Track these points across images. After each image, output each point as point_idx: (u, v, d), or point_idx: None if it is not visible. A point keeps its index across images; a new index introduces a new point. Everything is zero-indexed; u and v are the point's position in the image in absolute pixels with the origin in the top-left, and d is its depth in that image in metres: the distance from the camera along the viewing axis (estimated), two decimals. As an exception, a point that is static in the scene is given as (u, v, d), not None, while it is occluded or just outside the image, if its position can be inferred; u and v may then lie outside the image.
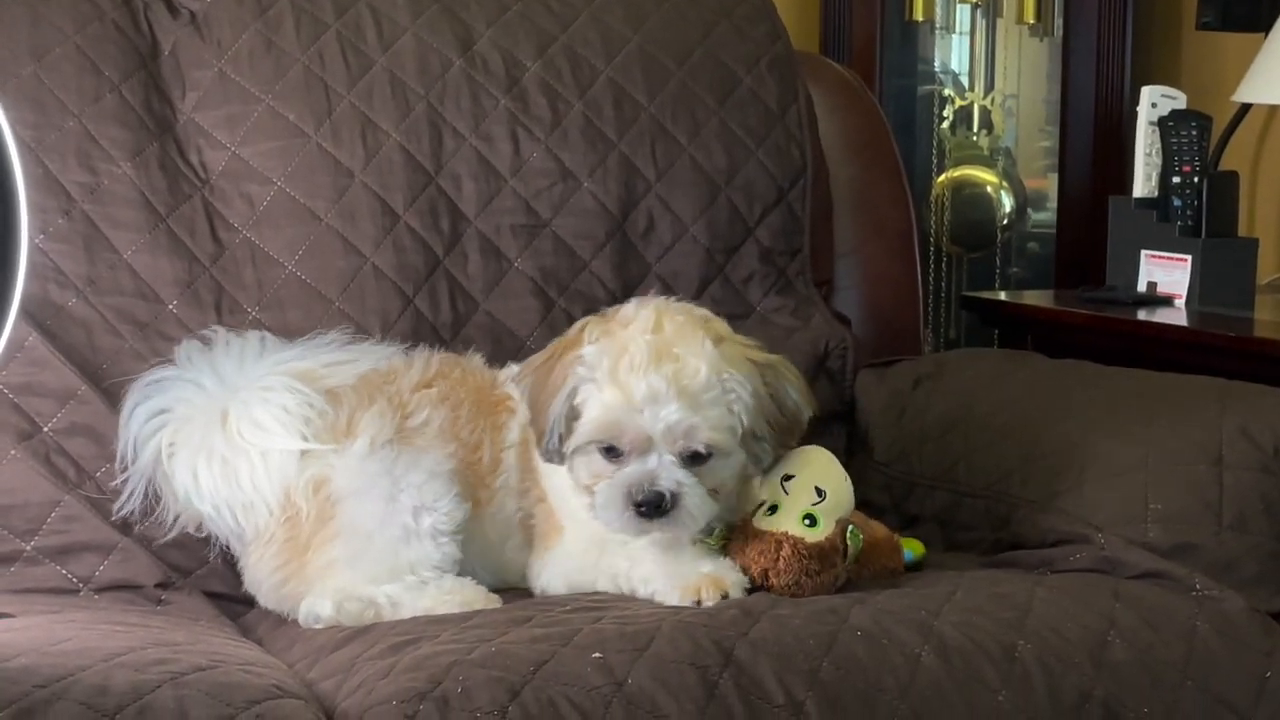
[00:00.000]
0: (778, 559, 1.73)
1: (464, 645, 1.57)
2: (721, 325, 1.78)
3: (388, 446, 1.82)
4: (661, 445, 1.69)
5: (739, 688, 1.53)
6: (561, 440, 1.73)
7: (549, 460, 1.77)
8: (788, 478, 1.77)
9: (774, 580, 1.73)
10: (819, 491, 1.77)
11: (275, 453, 1.81)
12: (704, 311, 1.80)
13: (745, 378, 1.72)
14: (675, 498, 1.69)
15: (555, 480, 1.81)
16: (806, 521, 1.75)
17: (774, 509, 1.76)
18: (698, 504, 1.70)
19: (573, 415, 1.72)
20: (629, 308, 1.77)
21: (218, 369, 1.88)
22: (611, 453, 1.71)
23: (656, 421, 1.68)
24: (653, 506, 1.68)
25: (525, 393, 1.80)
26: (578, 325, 1.79)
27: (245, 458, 1.82)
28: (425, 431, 1.84)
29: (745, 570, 1.74)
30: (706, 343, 1.72)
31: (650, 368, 1.68)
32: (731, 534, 1.78)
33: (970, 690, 1.58)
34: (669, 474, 1.69)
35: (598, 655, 1.55)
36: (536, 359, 1.82)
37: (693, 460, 1.70)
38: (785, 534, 1.74)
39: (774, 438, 1.74)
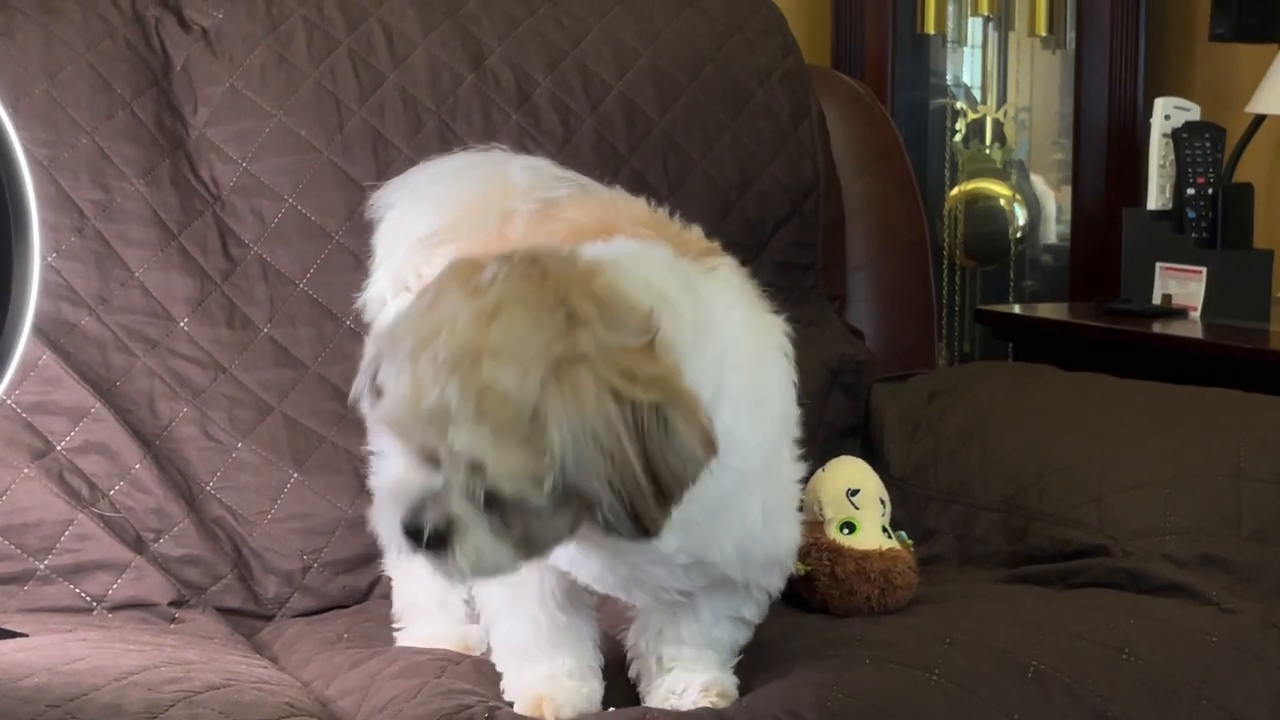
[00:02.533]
0: (894, 574, 1.74)
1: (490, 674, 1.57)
2: (614, 311, 1.32)
3: None
4: (449, 469, 1.31)
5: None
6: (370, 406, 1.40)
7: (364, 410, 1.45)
8: (853, 492, 1.77)
9: (890, 598, 1.74)
10: (882, 502, 1.79)
11: None
12: (612, 276, 1.34)
13: (587, 422, 1.28)
14: (443, 538, 1.32)
15: None
16: (845, 530, 1.76)
17: (850, 526, 1.76)
18: (478, 549, 1.32)
19: (373, 377, 1.38)
20: (517, 227, 1.48)
21: None
22: None
23: (441, 438, 1.29)
24: (414, 536, 1.33)
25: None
26: (449, 268, 1.39)
27: None
28: None
29: (853, 594, 1.74)
30: (540, 367, 1.28)
31: (450, 374, 1.28)
32: (812, 557, 1.76)
33: (983, 713, 1.55)
34: (446, 504, 1.31)
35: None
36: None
37: (491, 498, 1.31)
38: (890, 551, 1.75)
39: (625, 503, 1.30)
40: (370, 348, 1.41)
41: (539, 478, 1.28)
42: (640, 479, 1.29)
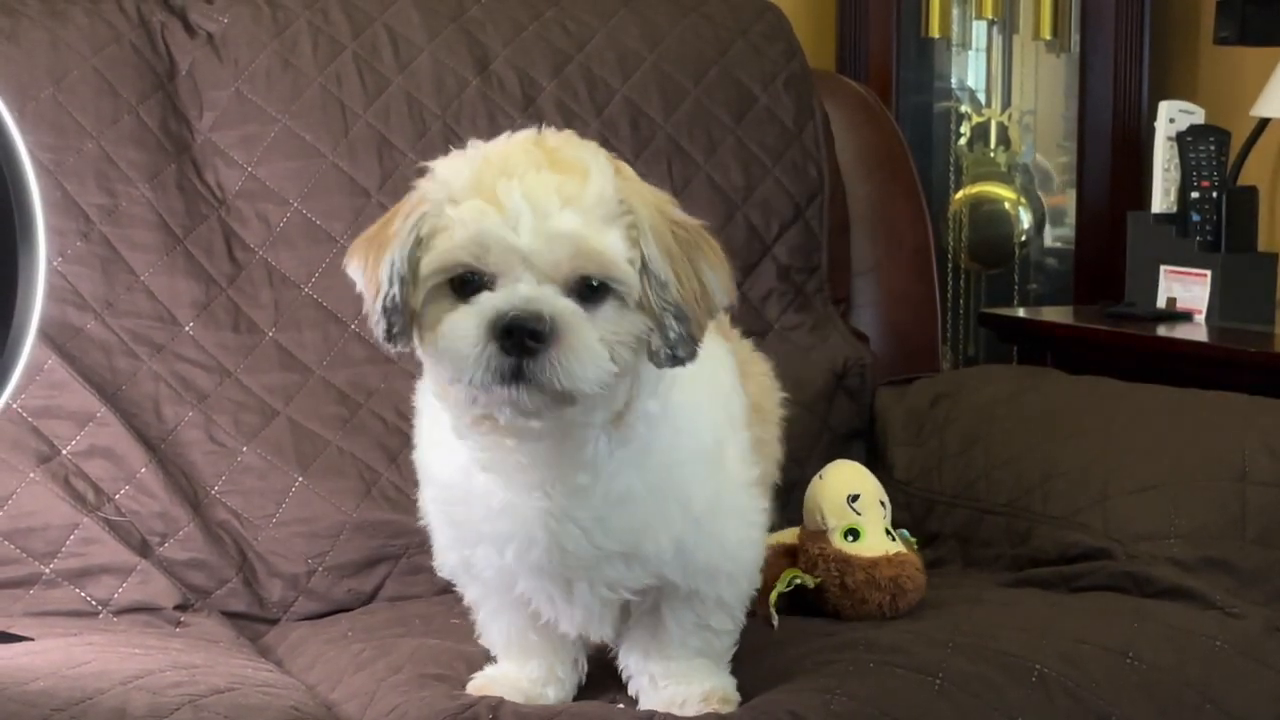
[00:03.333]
0: (903, 579, 1.73)
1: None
2: (626, 168, 1.38)
3: None
4: (539, 272, 1.27)
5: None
6: (404, 289, 1.31)
7: (387, 338, 1.34)
8: (854, 497, 1.77)
9: (901, 603, 1.74)
10: (882, 504, 1.78)
11: None
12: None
13: (650, 208, 1.33)
14: (557, 334, 1.26)
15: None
16: (850, 537, 1.76)
17: (854, 533, 1.76)
18: (590, 346, 1.27)
19: (417, 253, 1.31)
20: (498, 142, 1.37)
21: None
22: (468, 287, 1.30)
23: (536, 235, 1.26)
24: (526, 334, 1.25)
25: (362, 266, 1.36)
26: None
27: None
28: None
29: (865, 603, 1.73)
30: (603, 159, 1.34)
31: (527, 176, 1.28)
32: (820, 569, 1.76)
33: (987, 717, 1.55)
34: (551, 299, 1.27)
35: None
36: (370, 228, 1.40)
37: (582, 296, 1.29)
38: (897, 555, 1.75)
39: (683, 297, 1.32)
40: (373, 256, 1.34)
41: (634, 261, 1.30)
42: (691, 276, 1.32)
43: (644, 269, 1.31)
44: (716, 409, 1.48)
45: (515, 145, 1.32)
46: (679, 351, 1.33)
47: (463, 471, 1.43)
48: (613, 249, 1.29)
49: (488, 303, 1.27)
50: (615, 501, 1.39)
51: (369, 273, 1.34)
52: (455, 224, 1.28)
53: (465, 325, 1.27)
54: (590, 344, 1.28)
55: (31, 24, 2.05)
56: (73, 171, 2.02)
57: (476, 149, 1.33)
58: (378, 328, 1.34)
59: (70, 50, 2.05)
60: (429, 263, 1.30)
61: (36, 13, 2.06)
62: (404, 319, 1.32)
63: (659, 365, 1.35)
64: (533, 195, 1.27)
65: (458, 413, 1.36)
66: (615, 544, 1.42)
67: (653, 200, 1.35)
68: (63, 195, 2.00)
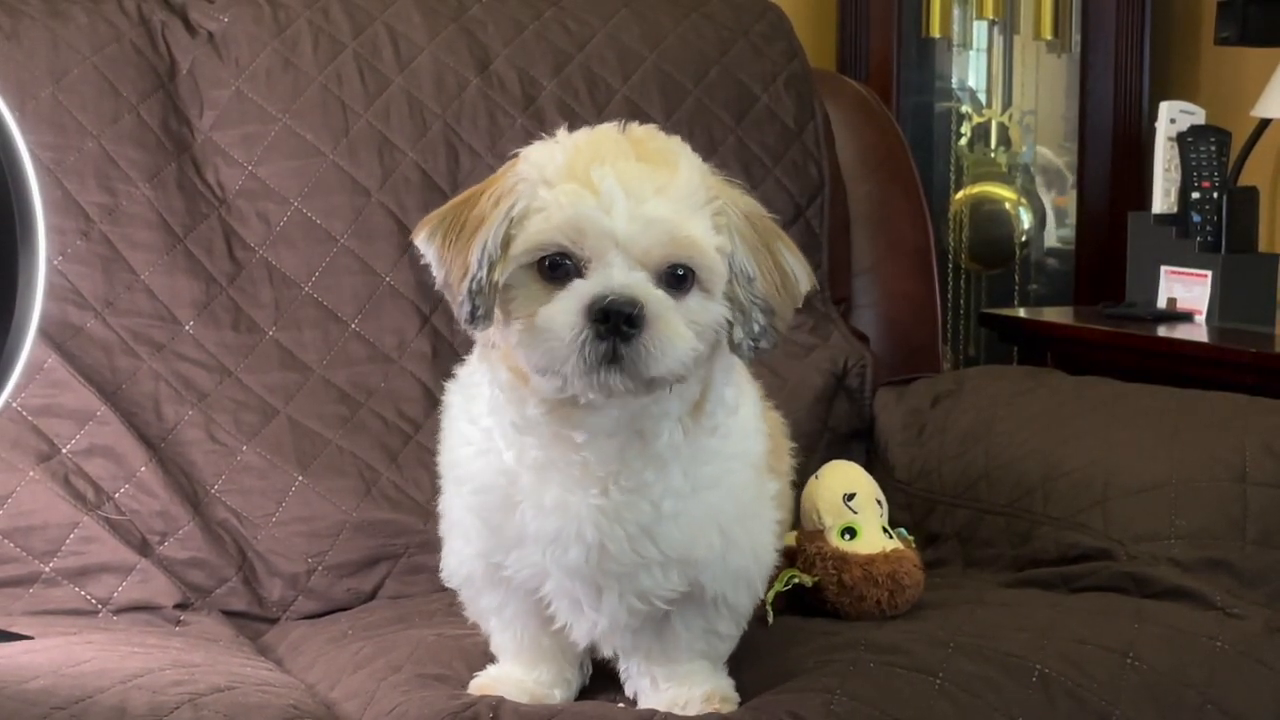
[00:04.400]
0: (901, 575, 1.73)
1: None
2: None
3: None
4: (631, 257, 1.30)
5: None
6: (491, 271, 1.32)
7: (472, 324, 1.35)
8: (849, 496, 1.77)
9: (899, 599, 1.74)
10: (879, 502, 1.78)
11: None
12: None
13: (735, 201, 1.37)
14: (650, 320, 1.29)
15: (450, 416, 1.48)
16: (847, 536, 1.76)
17: (850, 531, 1.76)
18: (680, 333, 1.30)
19: (510, 235, 1.32)
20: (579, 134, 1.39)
21: None
22: (557, 272, 1.31)
23: (630, 220, 1.29)
24: (622, 319, 1.27)
25: (435, 241, 1.37)
26: (506, 165, 1.39)
27: None
28: None
29: (863, 600, 1.73)
30: (689, 151, 1.38)
31: (623, 159, 1.32)
32: (817, 568, 1.76)
33: (987, 717, 1.54)
34: (644, 285, 1.30)
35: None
36: (449, 204, 1.41)
37: (669, 284, 1.32)
38: (894, 552, 1.75)
39: (766, 288, 1.37)
40: (454, 239, 1.36)
41: (722, 249, 1.33)
42: (773, 268, 1.36)
43: (730, 260, 1.34)
44: (759, 422, 1.52)
45: (603, 135, 1.35)
46: (762, 342, 1.37)
47: (506, 475, 1.42)
48: (703, 237, 1.32)
49: (584, 288, 1.29)
50: (670, 505, 1.41)
51: (451, 253, 1.35)
52: (551, 206, 1.30)
53: (562, 310, 1.29)
54: (680, 330, 1.30)
55: (32, 23, 2.05)
56: (73, 170, 2.02)
57: (566, 138, 1.36)
58: (462, 309, 1.34)
59: (71, 49, 2.05)
60: (522, 242, 1.31)
61: (37, 12, 2.06)
62: (489, 301, 1.33)
63: (741, 356, 1.39)
64: (626, 181, 1.30)
65: (533, 401, 1.36)
66: (658, 553, 1.43)
67: (735, 192, 1.38)
68: (63, 194, 2.00)
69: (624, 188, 1.30)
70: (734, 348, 1.37)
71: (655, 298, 1.29)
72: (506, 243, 1.32)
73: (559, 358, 1.30)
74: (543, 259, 1.32)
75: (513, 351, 1.35)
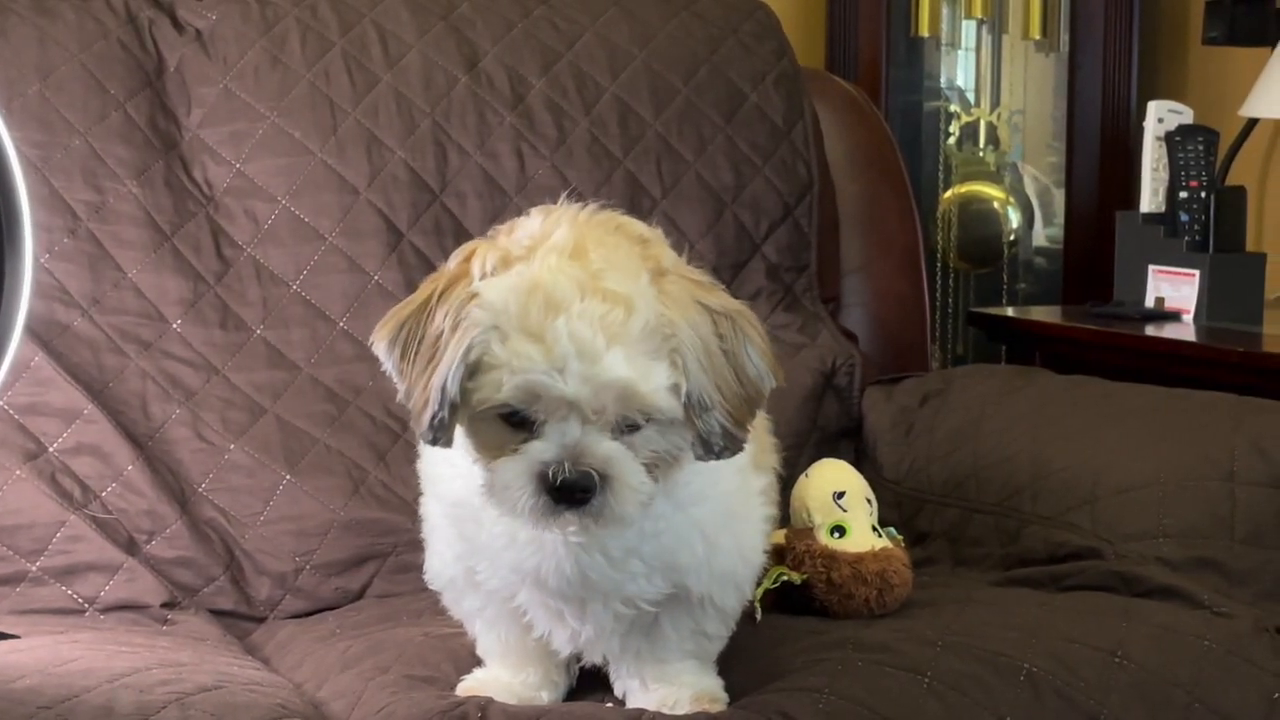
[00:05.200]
0: (890, 574, 1.73)
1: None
2: (662, 249, 1.41)
3: None
4: (587, 412, 1.31)
5: None
6: (453, 412, 1.34)
7: (432, 442, 1.37)
8: (839, 494, 1.77)
9: (888, 598, 1.74)
10: (868, 501, 1.78)
11: None
12: (639, 227, 1.42)
13: (693, 326, 1.34)
14: (605, 480, 1.31)
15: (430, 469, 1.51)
16: (836, 534, 1.76)
17: (840, 529, 1.76)
18: (634, 486, 1.32)
19: (469, 374, 1.33)
20: (532, 222, 1.38)
21: None
22: (517, 418, 1.33)
23: (583, 383, 1.29)
24: (576, 491, 1.31)
25: (394, 353, 1.38)
26: (459, 253, 1.39)
27: None
28: None
29: (851, 598, 1.73)
30: (644, 277, 1.34)
31: (573, 310, 1.30)
32: (806, 565, 1.75)
33: (976, 716, 1.55)
34: (598, 447, 1.31)
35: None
36: (405, 307, 1.39)
37: (624, 430, 1.33)
38: (883, 550, 1.75)
39: (726, 410, 1.35)
40: (411, 358, 1.37)
41: (677, 387, 1.32)
42: (734, 383, 1.35)
43: (687, 395, 1.33)
44: None
45: (560, 273, 1.32)
46: (723, 454, 1.37)
47: (479, 494, 1.41)
48: (657, 392, 1.31)
49: (537, 453, 1.31)
50: (651, 525, 1.42)
51: (412, 372, 1.36)
52: (504, 366, 1.31)
53: (517, 475, 1.32)
54: (634, 481, 1.32)
55: (20, 20, 2.04)
56: (60, 168, 2.01)
57: (523, 271, 1.33)
58: (424, 436, 1.36)
59: (58, 46, 2.05)
60: (480, 400, 1.32)
61: (25, 9, 2.06)
62: (449, 431, 1.35)
63: (703, 461, 1.38)
64: (579, 339, 1.29)
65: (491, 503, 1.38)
66: (642, 565, 1.44)
67: (693, 307, 1.35)
68: (50, 192, 1.99)
69: (576, 344, 1.29)
70: (697, 456, 1.38)
71: (610, 458, 1.31)
72: (466, 390, 1.33)
73: (516, 511, 1.33)
74: (501, 413, 1.33)
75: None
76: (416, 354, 1.35)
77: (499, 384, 1.31)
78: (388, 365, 1.39)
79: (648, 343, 1.31)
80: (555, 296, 1.30)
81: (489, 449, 1.34)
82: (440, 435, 1.35)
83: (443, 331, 1.33)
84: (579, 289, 1.30)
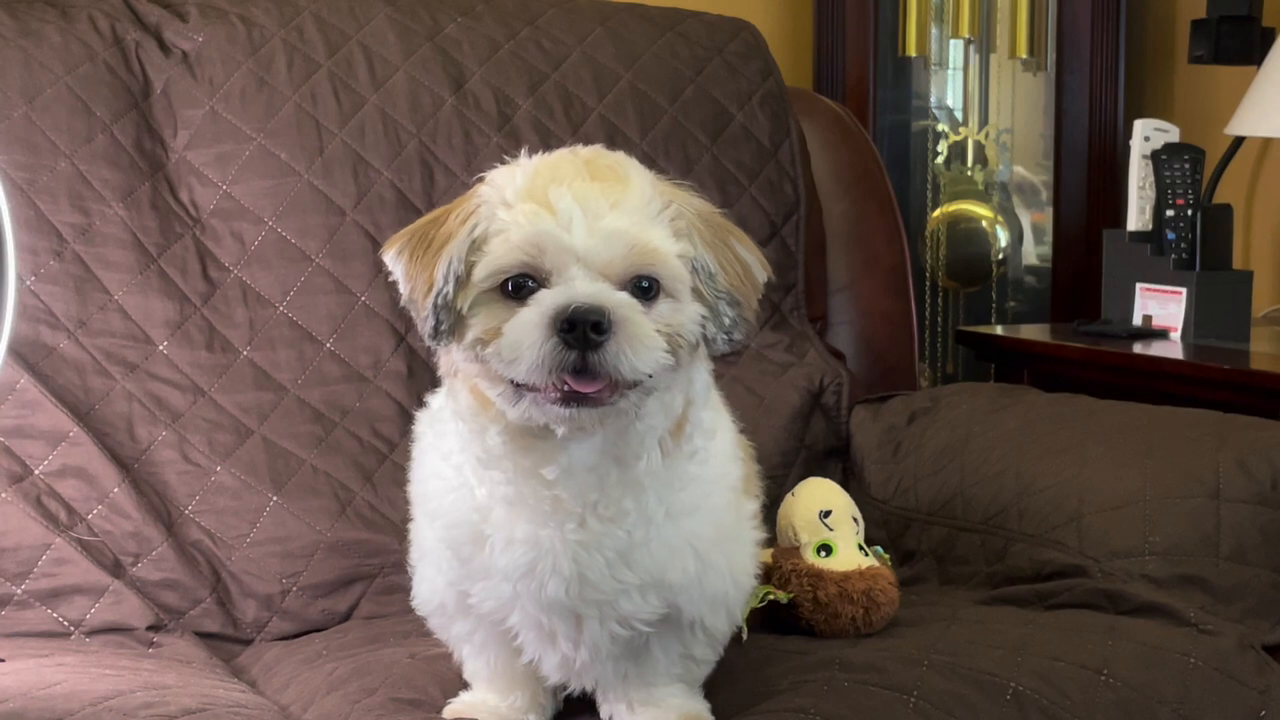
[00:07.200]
0: (876, 593, 1.73)
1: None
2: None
3: None
4: (593, 270, 1.31)
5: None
6: (457, 289, 1.34)
7: (435, 340, 1.36)
8: (825, 513, 1.77)
9: (874, 616, 1.74)
10: (855, 519, 1.79)
11: None
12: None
13: (688, 202, 1.39)
14: (614, 323, 1.29)
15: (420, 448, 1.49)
16: (822, 553, 1.76)
17: (826, 548, 1.76)
18: (647, 341, 1.30)
19: (474, 249, 1.34)
20: (531, 163, 1.40)
21: None
22: (521, 292, 1.32)
23: (590, 235, 1.31)
24: (588, 325, 1.27)
25: (403, 257, 1.39)
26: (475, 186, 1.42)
27: None
28: None
29: (838, 617, 1.73)
30: (637, 165, 1.40)
31: (578, 179, 1.33)
32: (793, 584, 1.76)
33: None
34: (608, 295, 1.30)
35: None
36: (417, 223, 1.42)
37: (637, 295, 1.33)
38: (870, 569, 1.75)
39: (730, 284, 1.38)
40: (419, 255, 1.38)
41: (684, 254, 1.35)
42: (736, 265, 1.38)
43: (692, 261, 1.36)
44: (732, 439, 1.52)
45: (559, 158, 1.38)
46: (734, 335, 1.39)
47: (479, 511, 1.42)
48: (663, 244, 1.33)
49: (549, 299, 1.30)
50: (641, 533, 1.41)
51: (417, 268, 1.37)
52: (511, 227, 1.32)
53: (528, 322, 1.29)
54: (648, 333, 1.31)
55: (5, 43, 2.04)
56: (46, 190, 2.01)
57: (526, 162, 1.38)
58: (426, 324, 1.36)
59: (44, 69, 2.05)
60: (485, 265, 1.33)
61: (10, 31, 2.06)
62: (451, 318, 1.35)
63: (716, 351, 1.40)
64: (583, 198, 1.32)
65: (495, 429, 1.37)
66: (636, 577, 1.43)
67: (687, 194, 1.41)
68: (36, 214, 1.99)
69: (581, 205, 1.31)
70: (708, 344, 1.39)
71: (621, 302, 1.30)
72: (470, 265, 1.34)
73: (527, 371, 1.30)
74: (505, 281, 1.33)
75: (475, 376, 1.36)
76: (425, 253, 1.37)
77: (506, 244, 1.32)
78: (395, 271, 1.40)
79: (648, 209, 1.35)
80: (558, 173, 1.34)
81: (491, 329, 1.32)
82: (443, 321, 1.34)
83: (452, 232, 1.36)
84: (579, 170, 1.35)
